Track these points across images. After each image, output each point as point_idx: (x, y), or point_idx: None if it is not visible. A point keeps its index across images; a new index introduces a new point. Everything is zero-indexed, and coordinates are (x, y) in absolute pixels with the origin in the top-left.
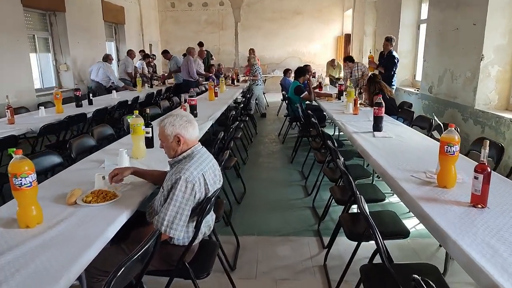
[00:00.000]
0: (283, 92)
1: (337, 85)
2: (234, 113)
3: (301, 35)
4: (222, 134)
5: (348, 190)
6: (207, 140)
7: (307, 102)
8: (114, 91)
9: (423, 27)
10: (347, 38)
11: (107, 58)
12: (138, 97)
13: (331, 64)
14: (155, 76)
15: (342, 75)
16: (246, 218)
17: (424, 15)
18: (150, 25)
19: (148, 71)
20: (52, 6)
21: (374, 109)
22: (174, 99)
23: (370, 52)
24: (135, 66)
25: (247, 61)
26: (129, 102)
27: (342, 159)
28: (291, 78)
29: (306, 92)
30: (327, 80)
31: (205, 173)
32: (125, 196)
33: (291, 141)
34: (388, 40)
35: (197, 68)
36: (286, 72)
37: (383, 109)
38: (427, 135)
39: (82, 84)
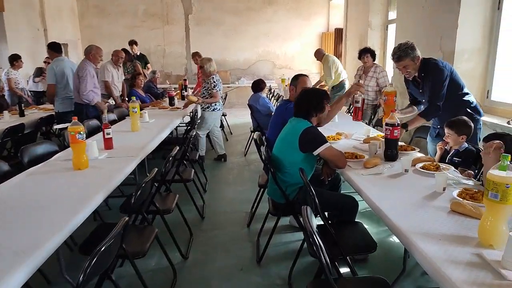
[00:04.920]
0: (253, 130)
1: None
2: None
3: (274, 32)
4: None
5: None
6: None
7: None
8: None
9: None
10: (338, 34)
11: None
12: None
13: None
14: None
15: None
16: None
17: None
18: (60, 17)
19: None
20: None
21: None
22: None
23: (390, 84)
24: None
25: (200, 67)
26: None
27: None
28: (264, 93)
29: (329, 145)
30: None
31: None
32: None
33: (281, 257)
34: (404, 52)
35: (107, 79)
36: (258, 85)
37: None
38: None
39: None
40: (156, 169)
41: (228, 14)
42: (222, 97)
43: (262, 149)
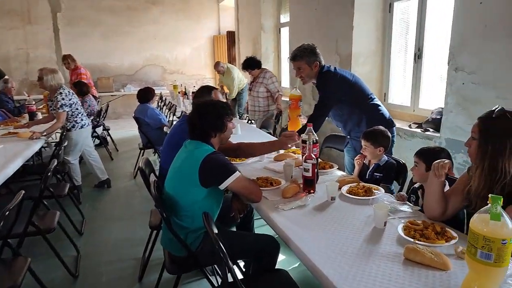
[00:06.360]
0: (142, 147)
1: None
2: None
3: (163, 34)
4: None
5: None
6: None
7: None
8: None
9: (399, 4)
10: (230, 37)
11: None
12: None
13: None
14: None
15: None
16: None
17: None
18: None
19: None
20: None
21: None
22: None
23: (295, 87)
24: None
25: (38, 79)
26: None
27: None
28: (154, 104)
29: (238, 175)
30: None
31: None
32: None
33: None
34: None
35: None
36: (144, 95)
37: None
38: None
39: None
40: None
41: (106, 13)
42: (82, 113)
43: (152, 179)
